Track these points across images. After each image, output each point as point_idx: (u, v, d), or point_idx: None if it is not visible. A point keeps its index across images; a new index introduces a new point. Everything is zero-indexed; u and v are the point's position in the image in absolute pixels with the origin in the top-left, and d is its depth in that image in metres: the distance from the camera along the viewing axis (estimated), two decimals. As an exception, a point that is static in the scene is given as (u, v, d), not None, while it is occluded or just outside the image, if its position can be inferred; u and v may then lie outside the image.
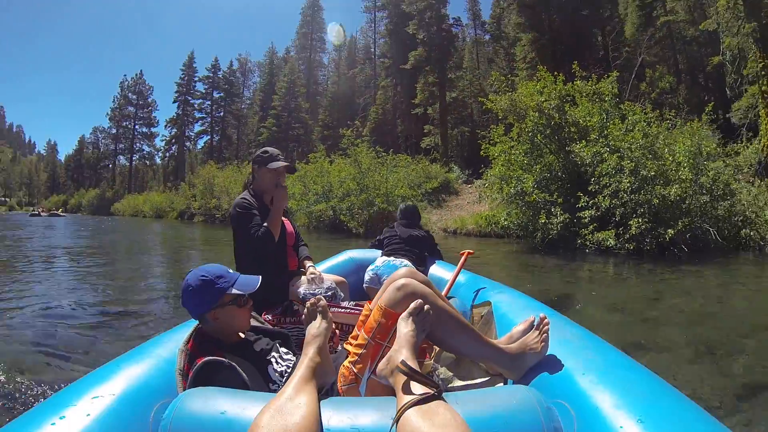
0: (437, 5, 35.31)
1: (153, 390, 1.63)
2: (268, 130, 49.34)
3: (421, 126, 37.25)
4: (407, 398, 1.25)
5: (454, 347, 1.88)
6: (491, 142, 14.11)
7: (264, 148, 3.01)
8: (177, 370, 1.63)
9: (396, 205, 14.81)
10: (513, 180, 12.84)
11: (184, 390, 1.53)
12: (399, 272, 1.97)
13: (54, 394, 1.74)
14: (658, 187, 10.43)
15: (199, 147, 68.80)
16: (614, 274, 8.53)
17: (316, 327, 1.69)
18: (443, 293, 2.96)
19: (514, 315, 2.24)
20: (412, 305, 1.68)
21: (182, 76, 65.08)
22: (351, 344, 1.78)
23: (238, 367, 1.60)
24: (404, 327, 1.63)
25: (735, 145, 15.69)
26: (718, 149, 12.98)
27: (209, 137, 65.05)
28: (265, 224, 2.75)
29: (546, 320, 1.80)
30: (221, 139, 63.74)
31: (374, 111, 45.20)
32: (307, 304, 1.79)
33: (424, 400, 1.22)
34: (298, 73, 54.17)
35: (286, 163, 2.95)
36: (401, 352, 1.52)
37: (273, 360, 1.80)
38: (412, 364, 1.41)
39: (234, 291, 1.75)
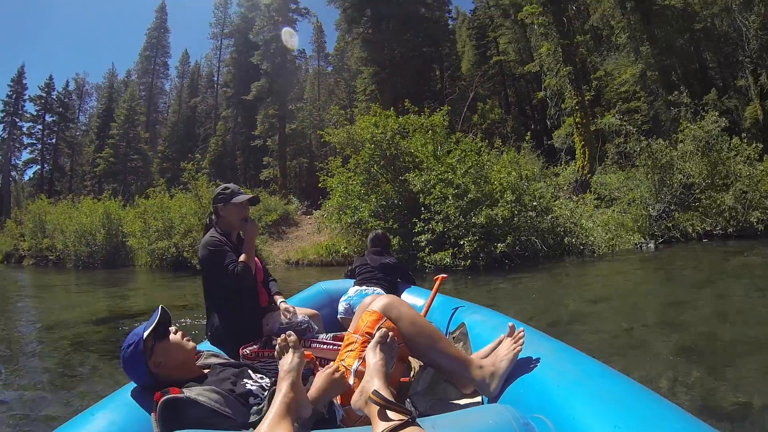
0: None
1: None
2: (105, 161, 45.13)
3: (260, 157, 36.58)
4: (382, 427, 1.29)
5: (432, 359, 1.95)
6: (329, 173, 14.92)
7: (224, 186, 3.04)
8: (152, 417, 1.68)
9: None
10: (350, 209, 13.75)
11: None
12: (369, 297, 2.20)
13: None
14: (486, 208, 11.78)
15: (26, 178, 58.65)
16: (453, 289, 9.03)
17: (288, 362, 1.66)
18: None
19: (489, 334, 2.25)
20: (378, 334, 1.74)
21: (9, 93, 54.26)
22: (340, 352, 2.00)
23: (198, 397, 1.64)
24: (373, 357, 1.67)
25: (556, 167, 18.86)
26: (543, 171, 15.26)
27: (39, 167, 55.34)
28: (241, 259, 2.73)
29: (521, 330, 1.88)
30: (53, 169, 54.94)
31: (214, 142, 44.52)
32: (278, 339, 1.77)
33: (398, 427, 1.26)
34: (138, 100, 50.35)
35: (250, 196, 2.98)
36: (372, 382, 1.54)
37: (246, 380, 1.87)
38: (384, 392, 1.44)
39: (146, 333, 1.79)
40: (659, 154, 14.35)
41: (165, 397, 1.62)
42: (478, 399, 2.03)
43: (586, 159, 19.42)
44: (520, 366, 1.80)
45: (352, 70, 39.88)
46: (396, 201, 13.84)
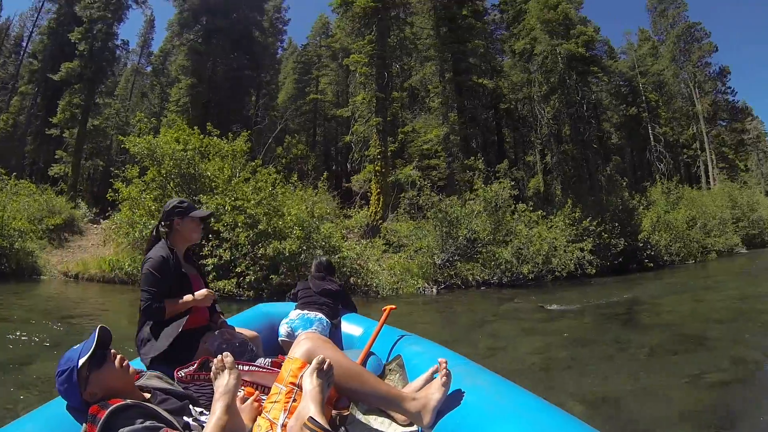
0: (112, 20, 32.03)
1: None
2: None
3: (53, 150, 31.88)
4: None
5: (363, 399, 1.99)
6: (125, 182, 13.74)
7: (178, 199, 2.99)
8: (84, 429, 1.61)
9: (11, 241, 13.96)
10: (140, 225, 12.64)
11: None
12: (304, 332, 2.17)
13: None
14: (275, 241, 11.74)
15: None
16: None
17: (223, 384, 1.67)
18: (365, 349, 2.97)
19: (426, 365, 2.25)
20: (315, 361, 1.74)
21: None
22: (260, 404, 1.87)
23: (146, 403, 1.60)
24: (309, 383, 1.67)
25: (350, 210, 19.18)
26: (336, 211, 15.43)
27: None
28: (163, 303, 2.63)
29: (444, 362, 1.93)
30: None
31: (3, 119, 37.23)
32: (215, 361, 1.77)
33: None
34: None
35: (209, 212, 3.10)
36: (308, 407, 1.55)
37: (186, 418, 1.78)
38: (320, 419, 1.47)
39: (82, 361, 1.70)
40: (449, 210, 15.64)
41: (114, 406, 1.56)
42: (414, 429, 1.99)
43: (380, 206, 20.23)
44: (455, 397, 1.83)
45: (170, 76, 37.41)
46: (187, 222, 12.80)
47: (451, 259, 15.24)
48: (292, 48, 43.74)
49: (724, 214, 30.70)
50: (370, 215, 20.02)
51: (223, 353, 1.84)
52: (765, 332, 6.40)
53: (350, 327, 4.00)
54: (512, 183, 18.13)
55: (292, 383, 1.80)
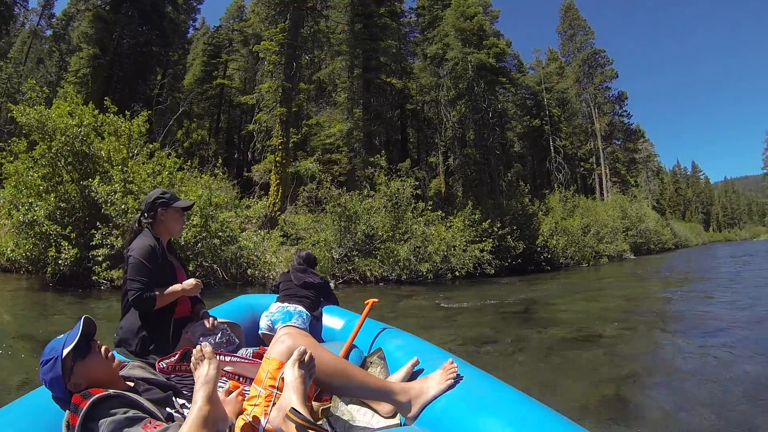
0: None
1: None
2: None
3: None
4: None
5: (347, 390, 1.99)
6: (11, 156, 12.25)
7: (161, 190, 2.97)
8: (63, 423, 1.61)
9: None
10: (25, 206, 11.24)
11: None
12: (284, 328, 2.09)
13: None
14: None
15: None
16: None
17: (204, 374, 1.63)
18: (348, 342, 2.93)
19: (407, 358, 2.32)
20: (296, 352, 1.75)
21: None
22: (245, 398, 1.81)
23: (129, 393, 1.61)
24: (291, 374, 1.68)
25: (249, 199, 18.41)
26: (236, 201, 14.74)
27: None
28: (156, 292, 2.61)
29: (455, 365, 1.96)
30: None
31: None
32: (194, 351, 1.75)
33: None
34: None
35: (192, 202, 3.12)
36: (290, 399, 1.56)
37: (169, 410, 1.77)
38: (302, 410, 1.47)
39: (66, 351, 1.69)
40: (348, 204, 15.36)
41: (97, 396, 1.58)
42: (396, 421, 2.02)
43: (279, 197, 19.66)
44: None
45: (72, 43, 34.53)
46: (77, 206, 11.79)
47: (349, 254, 15.03)
48: (205, 29, 41.92)
49: (615, 223, 33.24)
50: (269, 206, 19.32)
51: (203, 343, 1.82)
52: (651, 330, 6.73)
53: (331, 320, 3.99)
54: (416, 183, 18.21)
55: (271, 386, 1.76)
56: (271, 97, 21.96)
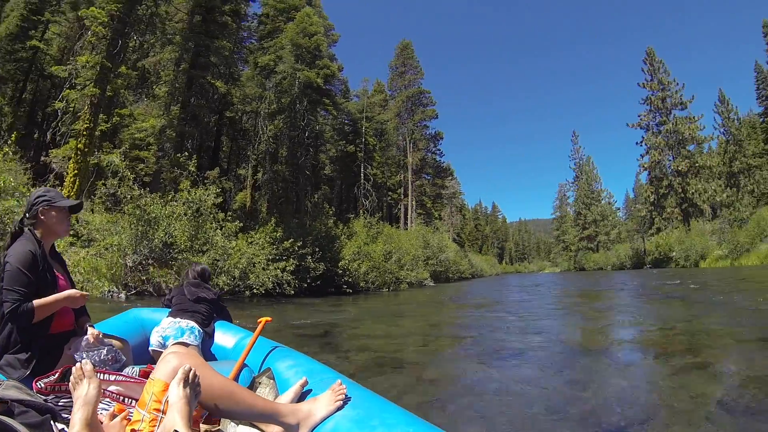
0: None
1: None
2: None
3: None
4: None
5: (234, 414, 1.91)
6: None
7: (45, 188, 2.84)
8: None
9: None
10: None
11: None
12: (170, 347, 2.10)
13: None
14: None
15: None
16: None
17: (82, 395, 1.56)
18: (238, 363, 2.84)
19: (296, 378, 2.32)
20: (181, 371, 1.67)
21: None
22: (128, 422, 1.72)
23: (2, 417, 1.46)
24: (175, 394, 1.59)
25: (39, 187, 16.59)
26: (27, 187, 13.35)
27: None
28: (32, 303, 2.39)
29: (343, 387, 1.97)
30: None
31: None
32: (73, 369, 1.65)
33: None
34: None
35: (76, 201, 2.83)
36: (174, 421, 1.49)
37: None
38: (186, 431, 1.41)
39: None
40: (149, 207, 14.61)
41: None
42: None
43: (75, 189, 17.79)
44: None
45: None
46: None
47: (144, 262, 14.27)
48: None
49: (417, 251, 35.40)
50: (68, 196, 16.94)
51: (83, 361, 1.75)
52: (448, 353, 6.91)
53: (224, 337, 3.84)
54: (219, 191, 17.91)
55: (156, 409, 1.68)
56: (86, 74, 19.90)
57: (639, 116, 62.61)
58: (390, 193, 50.50)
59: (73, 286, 2.82)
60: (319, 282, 20.06)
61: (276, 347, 3.11)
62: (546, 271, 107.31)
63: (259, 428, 2.10)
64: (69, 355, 2.54)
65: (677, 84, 60.01)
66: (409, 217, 50.78)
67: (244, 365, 2.89)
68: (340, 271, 22.61)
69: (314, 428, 1.89)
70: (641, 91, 62.84)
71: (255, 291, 16.19)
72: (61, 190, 17.78)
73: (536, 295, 18.92)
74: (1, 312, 2.46)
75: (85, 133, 18.48)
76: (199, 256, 14.97)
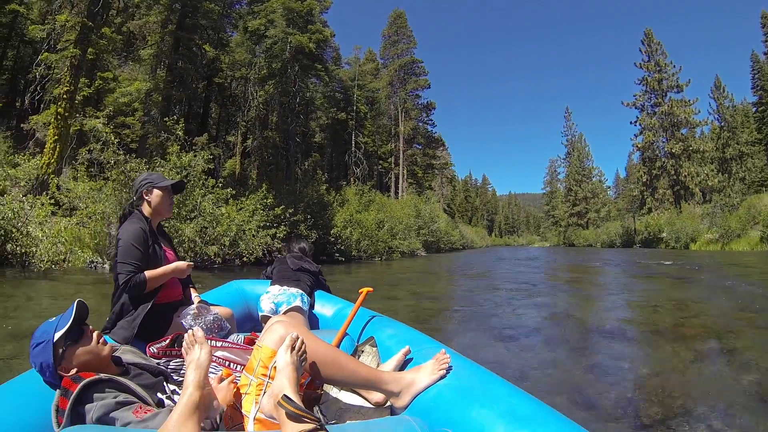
0: None
1: (27, 428, 1.59)
2: None
3: None
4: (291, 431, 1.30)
5: (338, 380, 1.99)
6: None
7: (148, 172, 3.21)
8: (53, 406, 1.61)
9: None
10: None
11: (60, 427, 1.54)
12: (275, 316, 2.26)
13: None
14: None
15: None
16: None
17: (195, 359, 1.62)
18: (341, 330, 2.90)
19: (397, 347, 2.32)
20: (288, 338, 1.72)
21: None
22: (236, 385, 1.78)
23: (119, 378, 1.64)
24: (283, 361, 1.65)
25: (22, 156, 15.80)
26: (5, 156, 12.61)
27: None
28: (144, 274, 2.62)
29: (447, 356, 1.97)
30: None
31: None
32: (185, 336, 1.76)
33: None
34: None
35: (178, 180, 3.18)
36: (282, 386, 1.54)
37: (160, 395, 1.79)
38: (294, 397, 1.45)
39: (57, 336, 1.70)
40: (133, 173, 13.72)
41: (87, 381, 1.58)
42: (386, 410, 2.04)
43: (55, 156, 16.79)
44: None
45: None
46: None
47: None
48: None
49: (409, 221, 35.01)
50: (42, 166, 16.50)
51: (195, 328, 1.83)
52: (437, 321, 6.82)
53: (323, 307, 3.97)
54: (210, 157, 17.23)
55: (263, 375, 1.72)
56: (65, 33, 18.64)
57: (634, 96, 61.64)
58: (381, 161, 50.21)
59: (177, 256, 3.06)
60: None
61: (376, 316, 3.18)
62: (536, 245, 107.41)
63: (360, 394, 2.19)
64: (178, 323, 2.70)
65: (674, 66, 59.06)
66: (400, 186, 50.64)
67: (345, 334, 2.95)
68: (332, 239, 22.27)
69: (416, 396, 1.91)
70: (637, 71, 62.02)
71: (245, 259, 15.79)
72: (41, 156, 17.11)
73: (534, 269, 18.75)
74: (116, 284, 2.68)
75: (65, 96, 17.37)
76: (187, 224, 14.34)
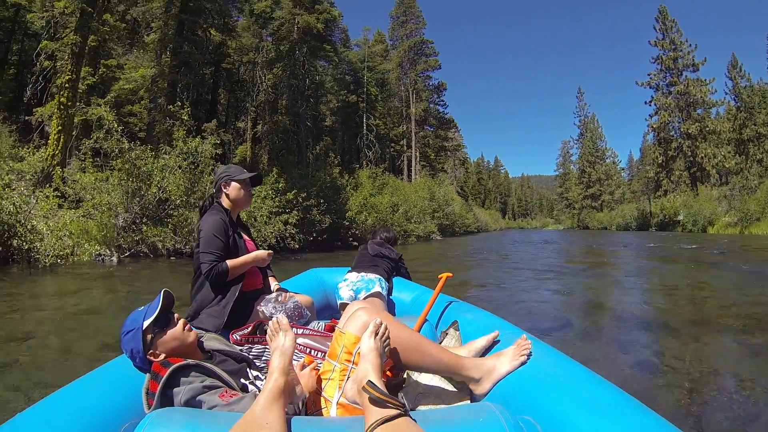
0: None
1: (118, 411, 1.66)
2: None
3: None
4: (375, 417, 1.29)
5: (420, 366, 1.94)
6: None
7: (227, 166, 3.16)
8: (143, 389, 1.69)
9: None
10: None
11: (150, 409, 1.59)
12: (355, 302, 2.09)
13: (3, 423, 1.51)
14: None
15: None
16: None
17: (279, 346, 1.63)
18: (422, 316, 2.91)
19: (479, 333, 2.30)
20: (372, 324, 1.71)
21: None
22: (317, 372, 1.80)
23: (206, 363, 1.69)
24: (367, 346, 1.65)
25: (26, 149, 15.35)
26: (12, 149, 12.10)
27: None
28: (226, 263, 2.69)
29: (528, 342, 1.94)
30: None
31: None
32: (270, 323, 1.79)
33: (390, 418, 1.27)
34: None
35: (255, 173, 3.09)
36: (367, 371, 1.54)
37: (243, 380, 1.82)
38: (378, 383, 1.44)
39: (146, 323, 1.77)
40: (140, 161, 13.34)
41: (176, 366, 1.63)
42: (466, 395, 2.01)
43: (60, 147, 16.16)
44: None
45: None
46: None
47: (136, 220, 13.09)
48: None
49: (423, 204, 34.35)
50: (47, 158, 15.90)
51: (279, 315, 1.92)
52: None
53: (402, 293, 3.94)
54: (218, 142, 16.47)
55: (347, 360, 1.72)
56: (65, 20, 18.26)
57: (649, 75, 59.77)
58: (393, 144, 49.61)
59: (256, 246, 3.11)
60: (325, 236, 19.28)
61: (455, 302, 3.16)
62: (550, 227, 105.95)
63: (441, 379, 2.13)
64: (259, 311, 2.70)
65: (689, 45, 57.11)
66: (412, 168, 50.00)
67: (425, 320, 2.95)
68: (347, 223, 21.69)
69: (497, 382, 1.86)
70: (650, 49, 60.11)
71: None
72: (46, 147, 16.62)
73: (554, 253, 18.37)
74: (196, 274, 2.76)
75: (67, 85, 16.68)
76: (196, 211, 13.50)
